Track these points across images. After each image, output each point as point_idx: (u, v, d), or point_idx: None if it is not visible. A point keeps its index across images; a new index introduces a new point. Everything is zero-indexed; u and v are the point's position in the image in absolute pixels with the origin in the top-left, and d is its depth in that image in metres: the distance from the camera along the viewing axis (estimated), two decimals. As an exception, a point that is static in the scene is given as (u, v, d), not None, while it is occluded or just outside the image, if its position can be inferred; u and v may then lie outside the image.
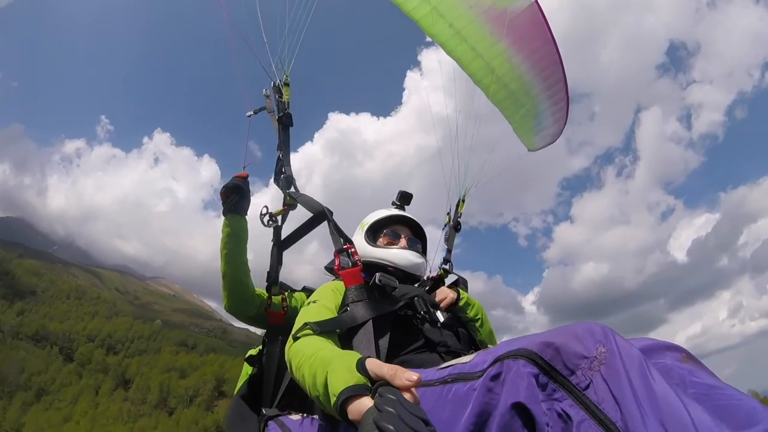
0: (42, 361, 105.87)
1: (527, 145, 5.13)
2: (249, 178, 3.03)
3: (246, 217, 3.03)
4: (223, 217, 2.98)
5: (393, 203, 3.47)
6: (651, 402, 1.18)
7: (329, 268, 3.02)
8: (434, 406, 1.54)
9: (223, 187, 2.99)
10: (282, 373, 2.61)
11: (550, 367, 1.33)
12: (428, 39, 4.42)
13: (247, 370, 2.95)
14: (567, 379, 1.31)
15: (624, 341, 1.33)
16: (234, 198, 2.94)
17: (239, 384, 2.90)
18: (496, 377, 1.41)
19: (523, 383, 1.33)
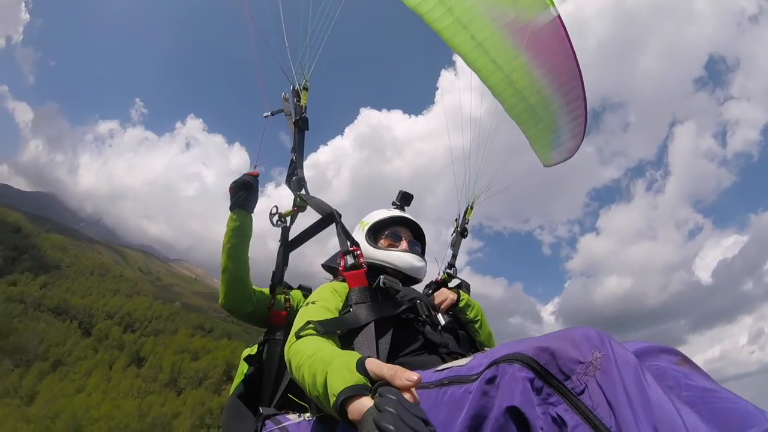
0: (61, 333, 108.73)
1: (543, 159, 5.21)
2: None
3: (252, 213, 3.09)
4: (229, 212, 3.04)
5: (393, 203, 3.50)
6: (645, 408, 1.19)
7: (329, 267, 3.13)
8: (430, 408, 1.53)
9: (233, 182, 3.06)
10: (282, 373, 2.65)
11: (545, 372, 1.33)
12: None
13: (243, 368, 2.97)
14: (562, 384, 1.31)
15: (620, 346, 1.34)
16: (242, 194, 3.01)
17: (235, 383, 2.93)
18: (491, 381, 1.42)
19: (518, 387, 1.34)
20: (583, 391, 1.28)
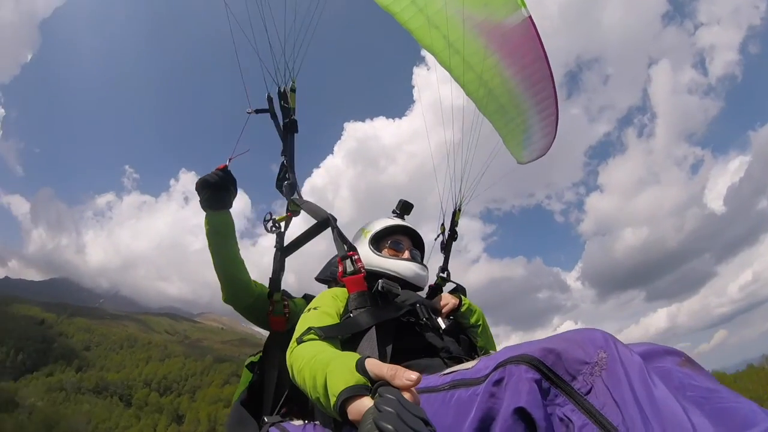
0: (105, 410, 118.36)
1: (516, 157, 5.43)
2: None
3: (227, 209, 3.01)
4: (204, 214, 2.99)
5: (393, 212, 3.64)
6: (652, 406, 1.22)
7: (323, 280, 3.27)
8: (437, 411, 1.58)
9: (197, 181, 2.95)
10: (283, 379, 2.70)
11: (551, 373, 1.37)
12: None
13: (245, 376, 3.06)
14: (569, 385, 1.34)
15: (624, 347, 1.38)
16: (205, 193, 2.91)
17: (238, 390, 3.02)
18: (498, 382, 1.44)
19: (525, 388, 1.36)
20: (589, 391, 1.31)
